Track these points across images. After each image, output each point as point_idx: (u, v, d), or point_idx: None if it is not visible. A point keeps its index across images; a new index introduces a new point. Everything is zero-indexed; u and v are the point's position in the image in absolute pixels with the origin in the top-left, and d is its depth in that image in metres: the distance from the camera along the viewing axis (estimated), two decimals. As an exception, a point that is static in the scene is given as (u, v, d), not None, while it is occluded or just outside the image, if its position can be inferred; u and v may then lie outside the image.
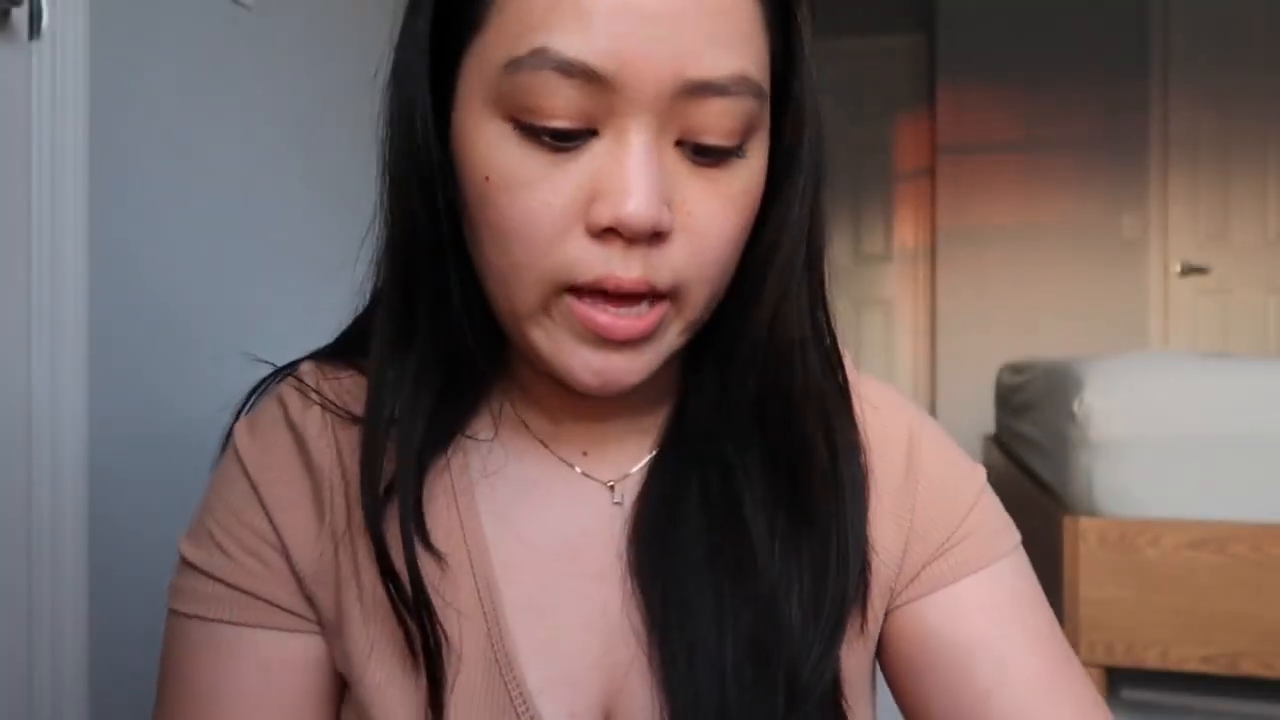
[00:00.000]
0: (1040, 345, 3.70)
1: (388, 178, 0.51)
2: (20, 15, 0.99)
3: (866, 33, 4.22)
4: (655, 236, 0.44)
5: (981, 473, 0.58)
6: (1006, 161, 4.08)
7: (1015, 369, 2.69)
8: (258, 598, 0.51)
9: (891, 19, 4.30)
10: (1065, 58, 3.96)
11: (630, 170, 0.43)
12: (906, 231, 4.36)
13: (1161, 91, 3.92)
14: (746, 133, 0.46)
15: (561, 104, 0.43)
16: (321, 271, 1.26)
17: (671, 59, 0.43)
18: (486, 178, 0.45)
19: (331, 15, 1.67)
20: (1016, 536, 0.57)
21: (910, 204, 4.35)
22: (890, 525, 0.54)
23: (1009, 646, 0.52)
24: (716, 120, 0.44)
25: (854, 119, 4.23)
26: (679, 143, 0.45)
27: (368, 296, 0.56)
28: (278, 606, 0.51)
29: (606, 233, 0.43)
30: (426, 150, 0.49)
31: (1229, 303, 3.88)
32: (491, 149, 0.45)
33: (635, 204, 0.42)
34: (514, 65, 0.43)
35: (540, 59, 0.42)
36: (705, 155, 0.45)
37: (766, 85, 0.47)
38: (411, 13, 0.50)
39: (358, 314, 0.58)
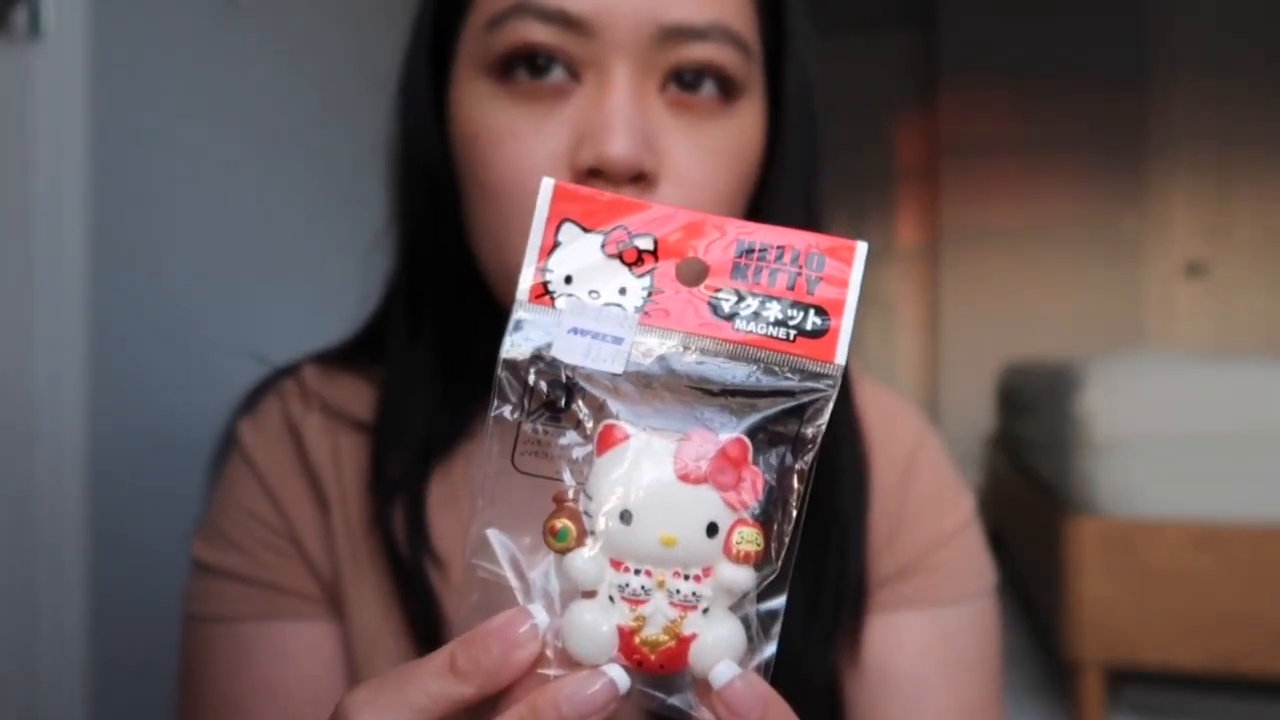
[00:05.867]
0: (1042, 345, 3.70)
1: (395, 176, 0.52)
2: (20, 15, 0.99)
3: (866, 31, 4.22)
4: (641, 181, 0.44)
5: (969, 503, 0.57)
6: (1010, 161, 4.07)
7: (1017, 369, 2.69)
8: (276, 589, 0.51)
9: (891, 17, 4.29)
10: (1068, 57, 3.95)
11: (609, 111, 0.43)
12: (907, 231, 4.35)
13: (1164, 90, 3.91)
14: (730, 85, 0.46)
15: (539, 44, 0.44)
16: (323, 271, 1.26)
17: (649, 2, 0.44)
18: (476, 136, 0.46)
19: (332, 17, 1.67)
20: (986, 581, 0.56)
21: (911, 203, 4.34)
22: (875, 521, 0.54)
23: (928, 698, 0.51)
24: (696, 64, 0.45)
25: (854, 117, 4.23)
26: (663, 91, 0.46)
27: (379, 300, 0.57)
28: (297, 595, 0.51)
29: (592, 178, 0.44)
30: (428, 135, 0.49)
31: (1230, 303, 3.87)
32: (478, 107, 0.46)
33: (615, 143, 0.43)
34: (496, 21, 0.45)
35: (520, 10, 0.44)
36: (688, 90, 0.46)
37: (752, 44, 0.47)
38: (418, 12, 0.51)
39: (368, 318, 0.58)
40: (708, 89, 0.46)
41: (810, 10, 0.52)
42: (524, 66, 0.45)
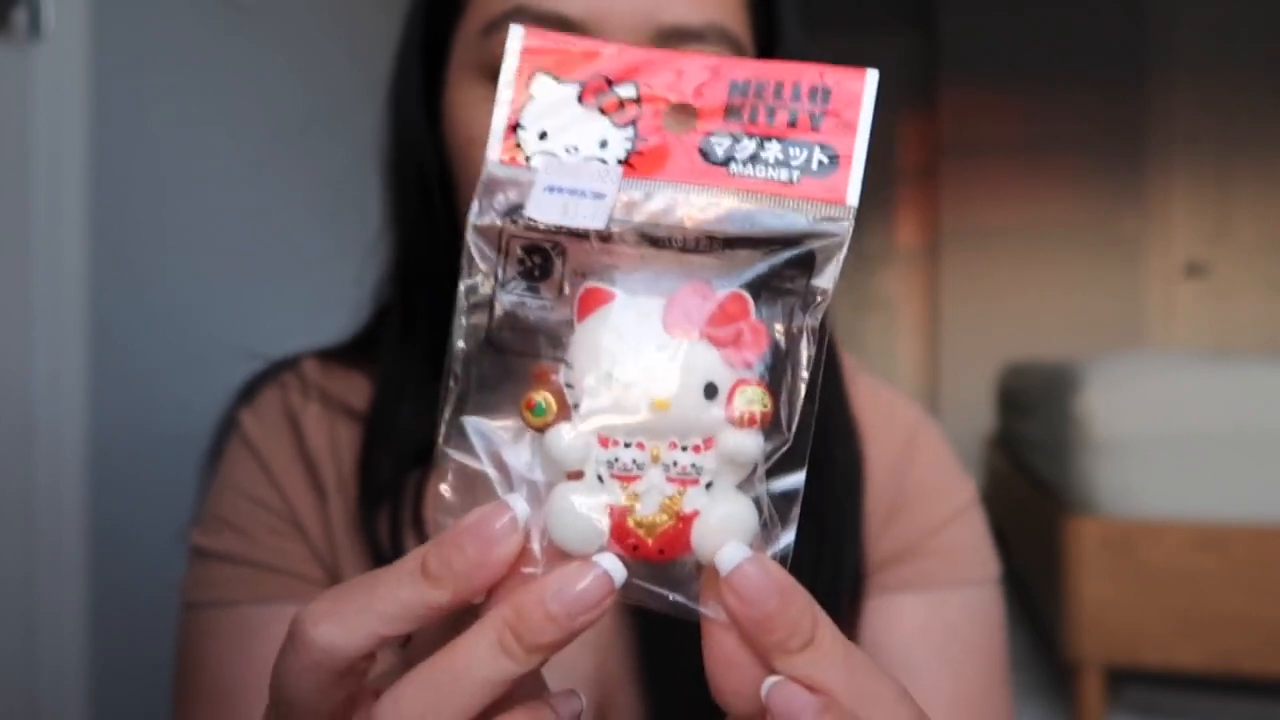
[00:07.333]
0: (1042, 345, 3.70)
1: (388, 174, 0.52)
2: (20, 15, 0.99)
3: (866, 31, 4.22)
4: None
5: (970, 489, 0.57)
6: (1010, 161, 4.07)
7: (1017, 370, 2.69)
8: (278, 570, 0.51)
9: (891, 17, 4.30)
10: (1068, 57, 3.96)
11: None
12: (908, 231, 4.35)
13: (1164, 90, 3.91)
14: None
15: None
16: (322, 271, 1.26)
17: (645, 5, 0.44)
18: (471, 140, 0.46)
19: (331, 17, 1.67)
20: (988, 570, 0.55)
21: (911, 204, 4.34)
22: (872, 508, 0.54)
23: (925, 682, 0.51)
24: None
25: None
26: None
27: (376, 301, 0.57)
28: (298, 577, 0.51)
29: None
30: (420, 139, 0.49)
31: (1230, 303, 3.87)
32: (473, 110, 0.46)
33: None
34: (492, 26, 0.45)
35: (517, 16, 0.44)
36: None
37: (747, 44, 0.48)
38: (409, 17, 0.51)
39: (367, 318, 0.58)
40: None
41: (808, 10, 0.52)
42: None
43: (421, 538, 0.50)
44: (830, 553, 0.50)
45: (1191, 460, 1.71)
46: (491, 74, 0.46)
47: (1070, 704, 1.76)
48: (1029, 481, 2.22)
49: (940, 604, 0.53)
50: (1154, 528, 1.68)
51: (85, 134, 1.07)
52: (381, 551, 0.49)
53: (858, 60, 0.27)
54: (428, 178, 0.50)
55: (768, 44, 0.50)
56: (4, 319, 0.99)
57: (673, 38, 0.45)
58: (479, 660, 0.23)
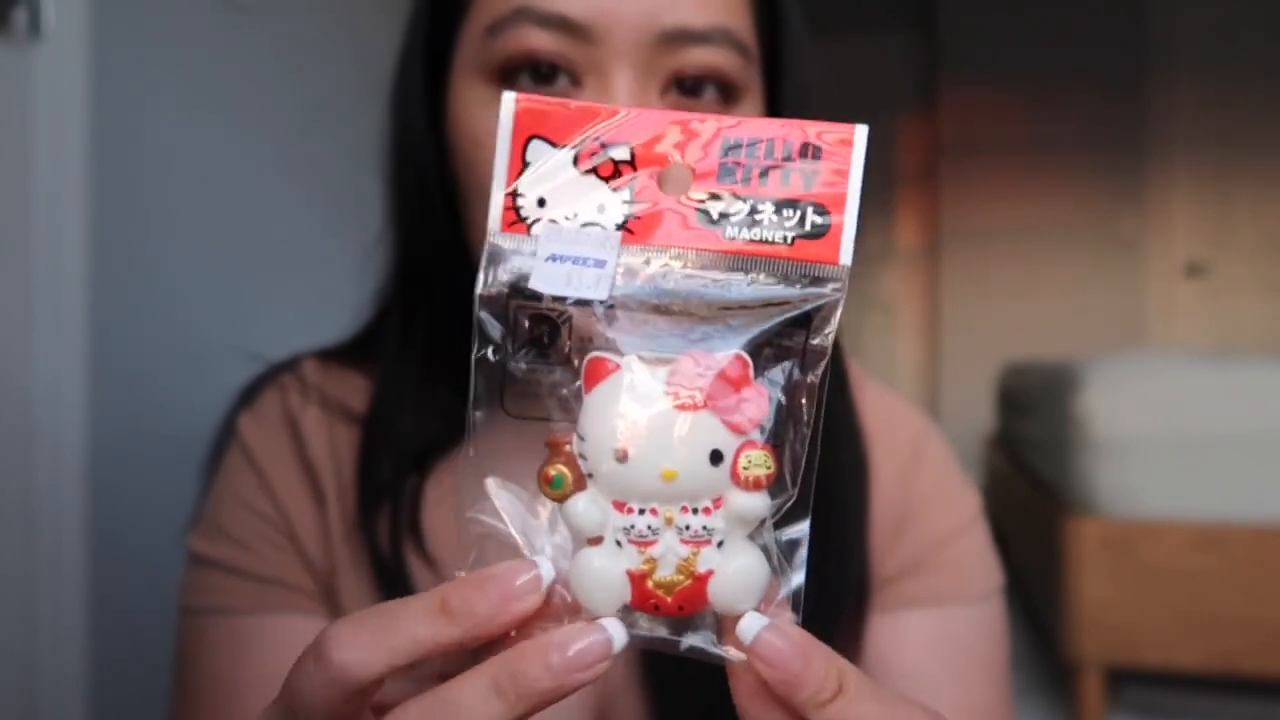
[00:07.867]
0: (1042, 345, 3.70)
1: (389, 175, 0.52)
2: (20, 15, 0.99)
3: (866, 32, 4.22)
4: None
5: (975, 501, 0.57)
6: (1010, 161, 4.07)
7: (1017, 369, 2.69)
8: (274, 583, 0.51)
9: (891, 17, 4.29)
10: (1068, 57, 3.95)
11: None
12: (907, 232, 4.35)
13: (1164, 90, 3.91)
14: (731, 89, 0.46)
15: (541, 51, 0.44)
16: (323, 272, 1.25)
17: (649, 7, 0.44)
18: (476, 142, 0.46)
19: (331, 17, 1.67)
20: (992, 581, 0.55)
21: (912, 204, 4.34)
22: (880, 516, 0.54)
23: (931, 697, 0.50)
24: (697, 69, 0.45)
25: (854, 117, 4.21)
26: (664, 95, 0.46)
27: (377, 301, 0.57)
28: (295, 589, 0.51)
29: None
30: (422, 140, 0.49)
31: (1230, 303, 3.87)
32: (479, 113, 0.46)
33: None
34: (496, 27, 0.45)
35: (520, 17, 0.44)
36: (689, 95, 0.46)
37: (751, 46, 0.47)
38: (412, 18, 0.51)
39: (368, 318, 0.58)
40: (709, 94, 0.46)
41: (810, 11, 0.52)
42: (527, 73, 0.45)
43: (419, 544, 0.50)
44: (836, 555, 0.50)
45: (1191, 460, 1.71)
46: (495, 75, 0.45)
47: (1070, 704, 1.75)
48: (1029, 481, 2.22)
49: (948, 619, 0.53)
50: (1154, 528, 1.68)
51: (85, 134, 1.07)
52: (380, 556, 0.49)
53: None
54: (428, 179, 0.50)
55: (771, 46, 0.50)
56: (4, 319, 0.99)
57: (677, 40, 0.44)
58: (474, 696, 0.25)
